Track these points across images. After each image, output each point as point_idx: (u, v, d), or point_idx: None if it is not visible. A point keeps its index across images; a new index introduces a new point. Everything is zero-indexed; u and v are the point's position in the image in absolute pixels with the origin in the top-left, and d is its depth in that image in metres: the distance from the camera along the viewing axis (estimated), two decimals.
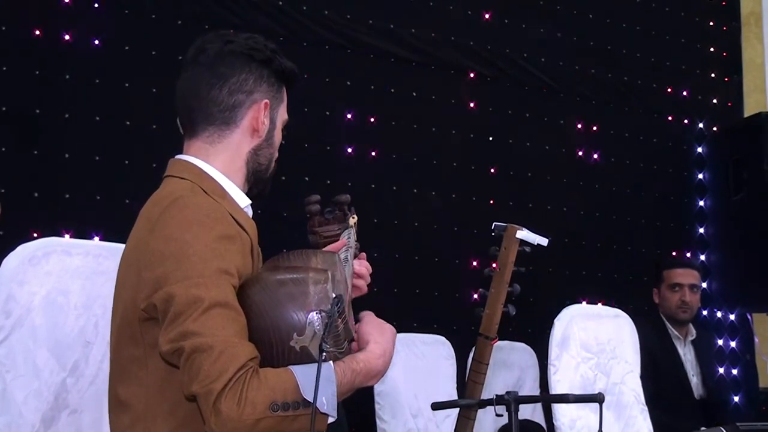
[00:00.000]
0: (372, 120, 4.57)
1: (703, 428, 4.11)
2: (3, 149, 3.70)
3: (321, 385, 1.59)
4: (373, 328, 1.85)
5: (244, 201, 1.94)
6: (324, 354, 1.60)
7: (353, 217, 2.37)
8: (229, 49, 1.94)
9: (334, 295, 1.67)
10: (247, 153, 1.95)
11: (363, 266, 2.24)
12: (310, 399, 1.59)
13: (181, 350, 1.62)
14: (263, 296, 1.68)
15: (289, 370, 1.64)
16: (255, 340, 1.66)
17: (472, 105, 4.86)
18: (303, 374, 1.63)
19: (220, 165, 1.92)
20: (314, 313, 1.66)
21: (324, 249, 2.26)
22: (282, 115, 2.02)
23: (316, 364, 1.61)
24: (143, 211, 1.84)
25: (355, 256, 2.25)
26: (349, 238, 2.25)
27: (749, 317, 5.37)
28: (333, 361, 1.68)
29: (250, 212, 1.96)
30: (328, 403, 1.63)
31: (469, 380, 2.74)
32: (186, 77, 1.95)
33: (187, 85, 1.95)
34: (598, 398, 2.40)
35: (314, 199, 2.35)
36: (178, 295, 1.64)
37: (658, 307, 4.58)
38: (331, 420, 1.66)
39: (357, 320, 1.89)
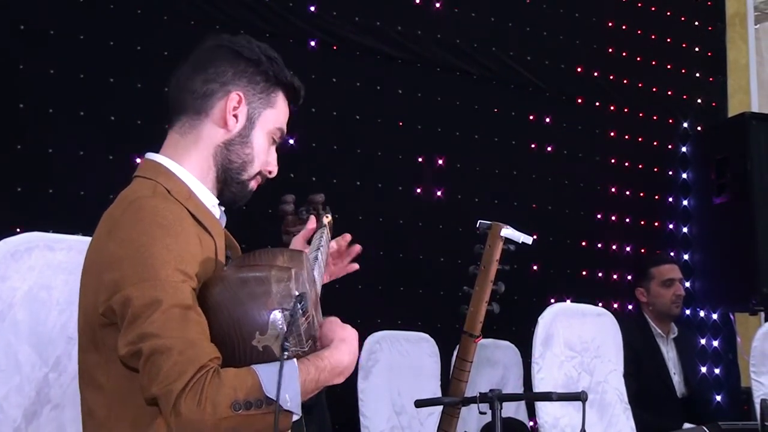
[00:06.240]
0: (357, 117, 4.57)
1: (686, 425, 4.14)
2: None
3: (284, 382, 1.56)
4: (335, 326, 1.81)
5: (211, 201, 1.90)
6: (286, 353, 1.57)
7: (327, 217, 2.37)
8: (219, 43, 1.93)
9: (297, 293, 1.64)
10: (215, 146, 1.89)
11: (344, 241, 2.25)
12: (273, 397, 1.57)
13: (140, 352, 1.60)
14: (225, 295, 1.65)
15: (252, 369, 1.61)
16: (217, 340, 1.64)
17: (457, 103, 4.86)
18: (266, 372, 1.60)
19: (190, 162, 1.88)
20: (277, 311, 1.63)
21: (293, 248, 2.27)
22: (267, 119, 1.94)
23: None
24: (105, 214, 1.81)
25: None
26: (321, 237, 2.23)
27: (732, 317, 5.40)
28: (296, 359, 1.65)
29: (217, 212, 1.92)
30: (291, 400, 1.61)
31: (452, 378, 2.74)
32: (176, 71, 1.94)
33: (174, 78, 1.93)
34: (581, 397, 2.40)
35: (289, 199, 2.35)
36: (135, 298, 1.62)
37: (645, 305, 4.59)
38: (295, 417, 1.64)
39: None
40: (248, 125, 1.91)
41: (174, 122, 1.92)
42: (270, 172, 1.98)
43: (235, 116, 1.89)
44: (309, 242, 2.30)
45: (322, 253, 2.16)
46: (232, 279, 1.67)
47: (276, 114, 1.96)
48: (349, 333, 1.81)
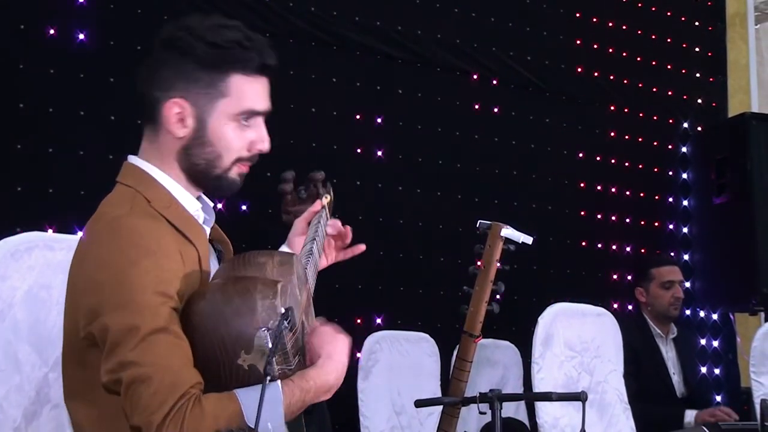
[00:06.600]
0: (357, 117, 4.56)
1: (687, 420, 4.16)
2: None
3: (267, 408, 1.52)
4: (324, 340, 1.75)
5: (194, 206, 1.84)
6: (268, 377, 1.52)
7: (326, 197, 2.33)
8: (164, 39, 1.85)
9: (283, 310, 1.59)
10: (175, 153, 1.82)
11: (336, 228, 2.21)
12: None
13: (120, 381, 1.57)
14: (210, 312, 1.61)
15: (234, 395, 1.58)
16: (202, 359, 1.60)
17: (457, 103, 4.86)
18: (248, 399, 1.56)
19: (163, 168, 1.83)
20: (263, 329, 1.58)
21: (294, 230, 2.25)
22: (223, 110, 1.80)
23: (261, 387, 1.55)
24: (87, 224, 1.78)
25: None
26: (318, 223, 2.18)
27: (732, 317, 5.40)
28: (281, 380, 1.61)
29: (201, 217, 1.86)
30: (273, 429, 1.57)
31: (452, 378, 2.74)
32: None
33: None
34: (581, 397, 2.40)
35: (288, 176, 2.31)
36: (114, 325, 1.58)
37: (644, 305, 4.59)
38: None
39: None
40: (200, 125, 1.81)
41: (142, 128, 1.88)
42: (260, 150, 1.86)
43: (182, 121, 1.80)
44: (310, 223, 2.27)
45: (317, 243, 2.11)
46: (216, 295, 1.62)
47: (234, 99, 1.81)
48: (338, 348, 1.75)
